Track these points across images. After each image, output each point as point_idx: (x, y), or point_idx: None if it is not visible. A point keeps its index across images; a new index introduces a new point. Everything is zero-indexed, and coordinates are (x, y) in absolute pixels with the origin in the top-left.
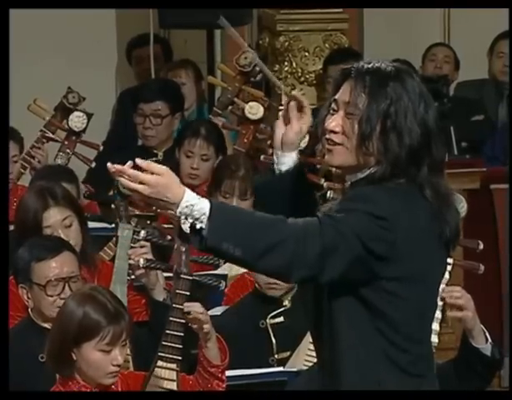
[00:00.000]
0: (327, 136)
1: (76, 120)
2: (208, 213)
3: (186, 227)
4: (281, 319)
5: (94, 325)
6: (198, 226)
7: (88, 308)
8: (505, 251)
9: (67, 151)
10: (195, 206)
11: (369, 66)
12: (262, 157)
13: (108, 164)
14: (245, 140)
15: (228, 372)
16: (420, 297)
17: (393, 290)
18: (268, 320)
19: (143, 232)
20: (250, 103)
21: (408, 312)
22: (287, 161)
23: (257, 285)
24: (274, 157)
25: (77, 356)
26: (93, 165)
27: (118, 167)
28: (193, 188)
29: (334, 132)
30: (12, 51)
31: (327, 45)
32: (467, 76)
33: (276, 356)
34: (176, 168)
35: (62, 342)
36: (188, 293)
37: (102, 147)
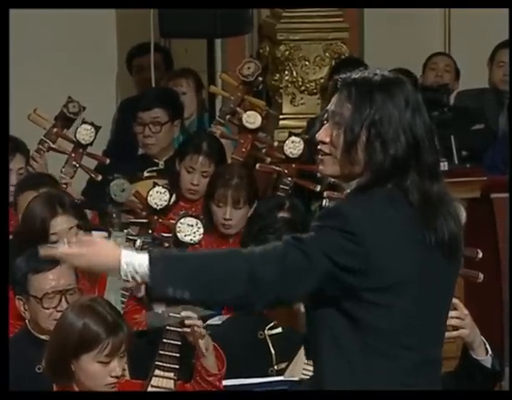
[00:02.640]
0: (318, 146)
1: (84, 133)
2: (147, 265)
3: (131, 276)
4: (279, 330)
5: (94, 337)
6: (139, 280)
7: (88, 320)
8: (506, 259)
9: (74, 163)
10: (135, 262)
11: (356, 76)
12: (257, 165)
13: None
14: (243, 149)
15: (228, 382)
16: (405, 304)
17: (374, 300)
18: (266, 331)
19: (138, 241)
20: (248, 112)
21: (393, 319)
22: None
23: None
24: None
25: (76, 367)
26: (99, 178)
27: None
28: (192, 202)
29: (323, 143)
30: (11, 59)
31: (327, 54)
32: (467, 85)
33: (275, 367)
34: (176, 179)
35: (61, 353)
36: None
37: (108, 160)
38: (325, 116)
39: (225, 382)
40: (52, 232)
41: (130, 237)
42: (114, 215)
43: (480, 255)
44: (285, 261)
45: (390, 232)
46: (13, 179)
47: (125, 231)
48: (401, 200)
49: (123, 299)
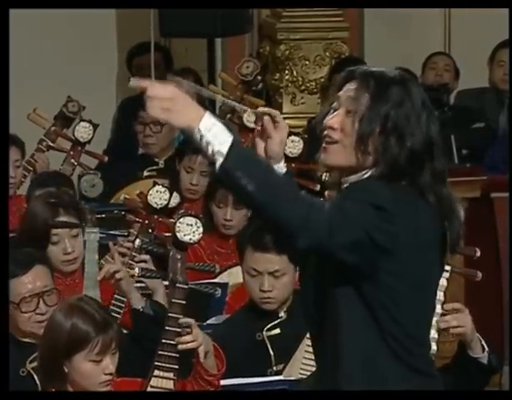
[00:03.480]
0: (325, 132)
1: (82, 131)
2: (231, 139)
3: (205, 142)
4: (277, 331)
5: (83, 336)
6: (217, 148)
7: (76, 320)
8: (506, 259)
9: (72, 161)
10: (217, 133)
11: (374, 70)
12: None
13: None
14: None
15: (227, 381)
16: (419, 297)
17: (393, 285)
18: (264, 332)
19: (137, 241)
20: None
21: (408, 310)
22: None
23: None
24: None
25: (69, 368)
26: (99, 176)
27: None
28: (191, 202)
29: (333, 129)
30: (11, 59)
31: (327, 54)
32: (467, 84)
33: (274, 368)
34: (176, 178)
35: (52, 355)
36: (183, 302)
37: (107, 158)
38: (334, 103)
39: (224, 382)
40: (53, 233)
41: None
42: (86, 211)
43: (478, 253)
44: (332, 216)
45: (417, 223)
46: (11, 171)
47: (98, 228)
48: (420, 197)
49: (121, 297)
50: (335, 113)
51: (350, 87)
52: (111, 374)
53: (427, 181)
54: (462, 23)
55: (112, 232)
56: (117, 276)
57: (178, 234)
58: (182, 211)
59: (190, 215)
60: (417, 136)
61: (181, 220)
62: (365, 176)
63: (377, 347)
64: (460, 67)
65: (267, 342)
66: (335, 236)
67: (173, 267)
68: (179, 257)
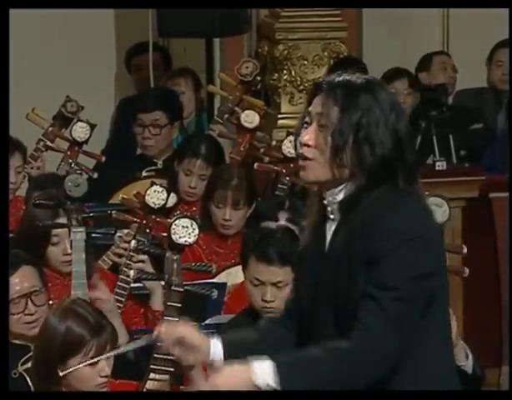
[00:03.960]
0: (299, 150)
1: (79, 130)
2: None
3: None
4: None
5: (78, 340)
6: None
7: (70, 323)
8: (505, 259)
9: (70, 161)
10: (267, 380)
11: (340, 79)
12: (256, 165)
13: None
14: (241, 148)
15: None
16: (447, 301)
17: (441, 296)
18: None
19: (133, 242)
20: (246, 112)
21: (446, 316)
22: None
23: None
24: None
25: (64, 372)
26: (95, 176)
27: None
28: (189, 204)
29: (307, 146)
30: (10, 59)
31: (326, 53)
32: (466, 85)
33: None
34: (174, 179)
35: (47, 359)
36: (179, 305)
37: (104, 158)
38: (306, 118)
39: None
40: (53, 234)
41: (93, 234)
42: (73, 211)
43: (465, 251)
44: (389, 321)
45: (434, 227)
46: (12, 177)
47: (84, 227)
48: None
49: (119, 297)
50: (308, 129)
51: (319, 101)
52: (106, 376)
53: (404, 182)
54: (460, 23)
55: (99, 231)
56: (105, 306)
57: (173, 236)
58: (178, 212)
59: (186, 217)
60: (387, 141)
61: (176, 222)
62: (342, 191)
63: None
64: (458, 67)
65: None
66: (405, 331)
67: (169, 269)
68: (175, 258)
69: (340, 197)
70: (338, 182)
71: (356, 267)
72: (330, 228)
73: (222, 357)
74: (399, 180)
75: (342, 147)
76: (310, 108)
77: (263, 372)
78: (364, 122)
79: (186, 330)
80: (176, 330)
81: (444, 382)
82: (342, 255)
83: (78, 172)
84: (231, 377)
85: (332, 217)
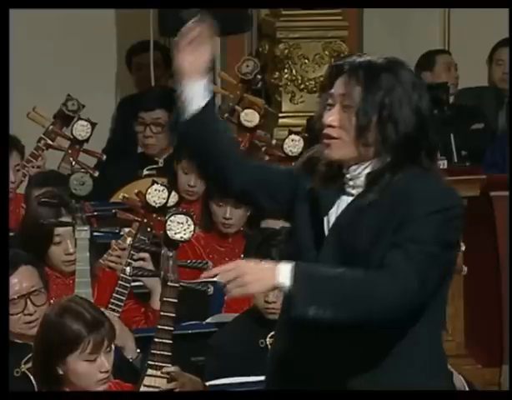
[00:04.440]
0: (324, 131)
1: (80, 129)
2: (291, 282)
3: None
4: None
5: (74, 336)
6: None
7: (66, 320)
8: (505, 258)
9: (71, 159)
10: (289, 267)
11: (362, 60)
12: None
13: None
14: (241, 147)
15: (224, 380)
16: (447, 294)
17: (449, 279)
18: (268, 339)
19: (129, 240)
20: (245, 110)
21: (444, 307)
22: (196, 89)
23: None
24: (180, 89)
25: (64, 369)
26: (96, 174)
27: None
28: (189, 203)
29: (332, 126)
30: (11, 58)
31: (327, 52)
32: (467, 83)
33: None
34: (174, 178)
35: (46, 358)
36: (175, 300)
37: (105, 157)
38: (329, 100)
39: (222, 381)
40: (56, 234)
41: (97, 233)
42: (77, 210)
43: (463, 248)
44: (416, 269)
45: (462, 203)
46: (11, 176)
47: (88, 226)
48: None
49: (119, 296)
50: (332, 110)
51: (341, 82)
52: (107, 372)
53: (426, 160)
54: (461, 22)
55: (103, 229)
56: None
57: (168, 232)
58: (173, 209)
59: (181, 213)
60: (410, 120)
61: (171, 218)
62: (368, 167)
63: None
64: (459, 65)
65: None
66: (426, 284)
67: (165, 265)
68: (171, 255)
69: (365, 173)
70: (362, 160)
71: (380, 229)
72: (344, 200)
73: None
74: (422, 158)
75: (366, 126)
76: (332, 90)
77: (285, 269)
78: (387, 100)
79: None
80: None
81: (437, 378)
82: (361, 220)
83: (83, 170)
84: (258, 265)
85: (353, 191)
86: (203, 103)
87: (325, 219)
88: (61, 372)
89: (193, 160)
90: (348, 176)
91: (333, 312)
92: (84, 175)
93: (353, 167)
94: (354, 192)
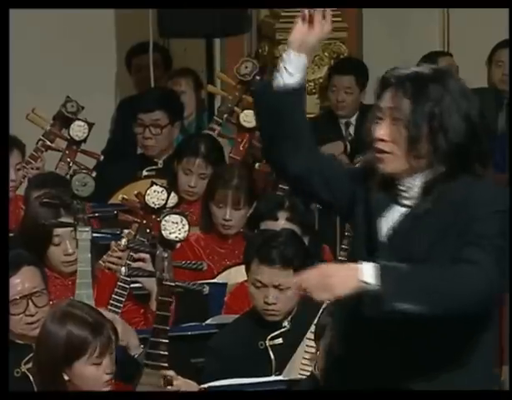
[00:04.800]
0: (375, 145)
1: (77, 129)
2: (378, 279)
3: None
4: (280, 341)
5: (81, 342)
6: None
7: (70, 327)
8: None
9: (68, 160)
10: (371, 265)
11: (408, 71)
12: (257, 165)
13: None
14: (241, 148)
15: (225, 381)
16: None
17: None
18: (267, 341)
19: (124, 240)
20: (245, 111)
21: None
22: (297, 63)
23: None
24: (284, 55)
25: (70, 375)
26: (94, 175)
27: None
28: (189, 204)
29: (383, 141)
30: (11, 59)
31: (326, 54)
32: (466, 85)
33: (274, 376)
34: (174, 179)
35: (51, 365)
36: (170, 300)
37: (102, 157)
38: (378, 114)
39: (222, 382)
40: (55, 234)
41: (100, 235)
42: (79, 211)
43: None
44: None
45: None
46: (12, 175)
47: (90, 227)
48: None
49: (118, 297)
50: (382, 124)
51: (389, 95)
52: (112, 373)
53: (480, 167)
54: (461, 23)
55: (105, 230)
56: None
57: (163, 232)
58: (167, 210)
59: (176, 213)
60: (460, 128)
61: (166, 218)
62: (421, 178)
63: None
64: (459, 66)
65: (269, 351)
66: (504, 275)
67: (160, 265)
68: (166, 255)
69: (418, 184)
70: (415, 172)
71: (440, 235)
72: (398, 209)
73: None
74: (474, 165)
75: (417, 138)
76: (381, 103)
77: (369, 269)
78: (437, 111)
79: None
80: None
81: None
82: (418, 229)
83: (84, 171)
84: (341, 266)
85: (406, 202)
86: (300, 78)
87: (378, 226)
88: (66, 378)
89: (265, 129)
90: (401, 187)
91: (424, 305)
92: (86, 176)
93: (407, 179)
94: (408, 202)
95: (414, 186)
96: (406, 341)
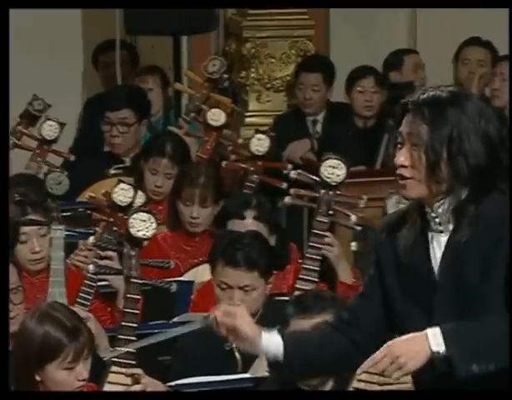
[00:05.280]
0: (397, 171)
1: (48, 129)
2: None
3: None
4: None
5: (56, 345)
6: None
7: (48, 327)
8: None
9: (39, 159)
10: (437, 330)
11: (425, 96)
12: (224, 163)
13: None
14: (208, 147)
15: (191, 380)
16: None
17: None
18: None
19: (91, 238)
20: (212, 110)
21: None
22: (271, 339)
23: None
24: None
25: (42, 376)
26: (65, 174)
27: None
28: (156, 203)
29: (404, 166)
30: None
31: (293, 51)
32: (433, 83)
33: None
34: (140, 178)
35: (25, 364)
36: (138, 297)
37: (73, 157)
38: (399, 139)
39: (187, 380)
40: (22, 232)
41: (70, 233)
42: (53, 209)
43: None
44: None
45: None
46: None
47: (63, 225)
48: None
49: (85, 295)
50: (402, 150)
51: (408, 120)
52: (84, 380)
53: (503, 184)
54: (427, 22)
55: (78, 230)
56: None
57: (131, 230)
58: (134, 207)
59: (143, 211)
60: (480, 150)
61: (134, 216)
62: (445, 204)
63: None
64: (426, 64)
65: (235, 352)
66: None
67: (128, 263)
68: (133, 253)
69: (442, 210)
70: (437, 197)
71: (490, 265)
72: (436, 239)
73: (281, 352)
74: (498, 183)
75: (436, 163)
76: (400, 129)
77: (435, 336)
78: (455, 134)
79: (241, 321)
80: (231, 319)
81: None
82: (466, 256)
83: (59, 170)
84: (407, 341)
85: (440, 228)
86: (282, 342)
87: (425, 267)
88: (38, 379)
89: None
90: (433, 214)
91: (495, 363)
92: (61, 175)
93: (436, 204)
94: (442, 228)
95: (443, 210)
96: None
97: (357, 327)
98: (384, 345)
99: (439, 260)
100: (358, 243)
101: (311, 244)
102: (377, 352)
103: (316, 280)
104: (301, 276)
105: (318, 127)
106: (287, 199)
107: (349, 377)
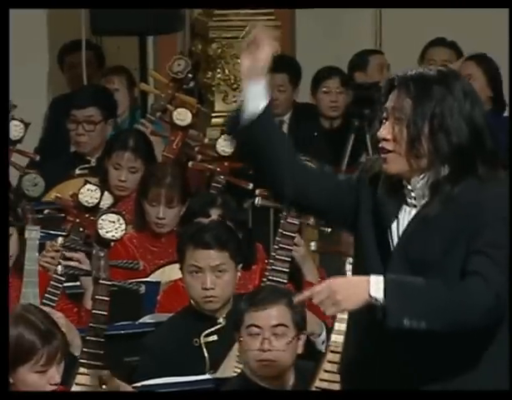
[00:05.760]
0: (380, 145)
1: (13, 129)
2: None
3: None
4: (215, 337)
5: (28, 347)
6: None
7: (21, 329)
8: None
9: None
10: (381, 279)
11: (412, 72)
12: (190, 163)
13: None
14: (174, 146)
15: (155, 381)
16: None
17: None
18: (202, 338)
19: (60, 239)
20: (178, 109)
21: None
22: (255, 89)
23: (192, 301)
24: (242, 87)
25: (14, 378)
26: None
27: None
28: (120, 199)
29: (386, 140)
30: None
31: None
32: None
33: (208, 374)
34: (105, 176)
35: None
36: (106, 298)
37: (38, 157)
38: (384, 114)
39: (154, 381)
40: None
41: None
42: (28, 210)
43: None
44: (494, 282)
45: None
46: None
47: (38, 227)
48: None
49: (51, 296)
50: (385, 124)
51: (393, 95)
52: (56, 384)
53: (484, 168)
54: (393, 22)
55: (51, 231)
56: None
57: (100, 231)
58: (104, 208)
59: (113, 212)
60: (462, 130)
61: (103, 217)
62: (427, 178)
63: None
64: (391, 65)
65: (203, 348)
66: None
67: (96, 264)
68: (102, 254)
69: (424, 183)
70: (418, 172)
71: (452, 240)
72: (407, 210)
73: (260, 110)
74: (479, 166)
75: (417, 137)
76: (386, 104)
77: (377, 283)
78: (438, 111)
79: (267, 49)
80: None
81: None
82: (430, 231)
83: (33, 171)
84: (348, 281)
85: (415, 202)
86: (262, 103)
87: (389, 230)
88: (11, 381)
89: (251, 163)
90: (409, 187)
91: (429, 322)
92: (37, 176)
93: (414, 178)
94: (416, 202)
95: (421, 185)
96: (418, 344)
97: (317, 180)
98: (327, 280)
99: (397, 227)
100: (316, 243)
101: (280, 245)
102: (317, 285)
103: (285, 281)
104: (270, 277)
105: (285, 128)
106: (257, 200)
107: (311, 377)
